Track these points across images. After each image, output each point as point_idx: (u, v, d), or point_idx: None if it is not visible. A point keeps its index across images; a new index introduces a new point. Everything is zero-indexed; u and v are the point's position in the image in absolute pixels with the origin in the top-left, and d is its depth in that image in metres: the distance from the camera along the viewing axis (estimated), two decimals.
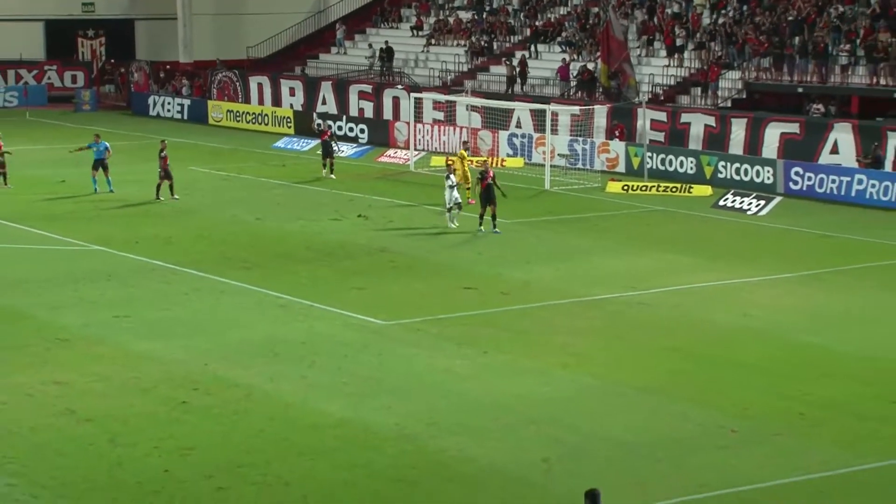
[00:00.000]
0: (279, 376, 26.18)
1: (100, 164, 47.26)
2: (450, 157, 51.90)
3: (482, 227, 39.71)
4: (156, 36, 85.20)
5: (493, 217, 39.70)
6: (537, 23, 68.63)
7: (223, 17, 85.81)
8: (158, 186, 45.54)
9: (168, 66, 79.72)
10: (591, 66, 60.50)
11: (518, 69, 63.07)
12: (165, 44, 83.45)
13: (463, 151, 48.45)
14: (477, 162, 50.92)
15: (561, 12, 68.57)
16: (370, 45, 73.25)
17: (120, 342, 28.54)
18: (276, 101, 69.45)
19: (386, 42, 72.08)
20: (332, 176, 49.46)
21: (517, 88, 62.63)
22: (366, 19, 78.69)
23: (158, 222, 42.48)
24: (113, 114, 75.04)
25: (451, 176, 40.95)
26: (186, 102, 72.90)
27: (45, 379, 25.78)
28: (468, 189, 44.87)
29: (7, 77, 77.77)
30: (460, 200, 40.79)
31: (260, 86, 71.06)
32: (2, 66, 78.09)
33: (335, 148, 51.96)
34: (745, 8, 60.07)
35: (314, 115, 63.68)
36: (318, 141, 53.45)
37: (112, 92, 79.18)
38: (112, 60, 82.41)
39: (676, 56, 60.60)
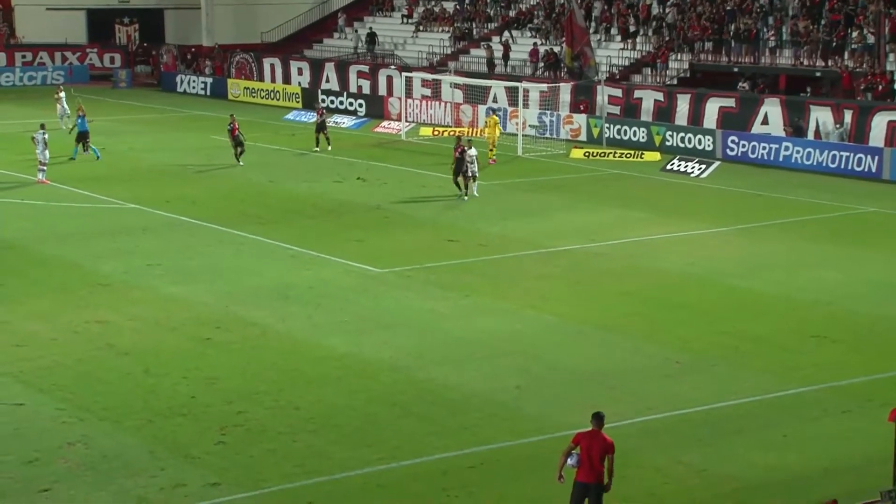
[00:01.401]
0: (290, 316, 26.30)
1: (84, 135, 46.26)
2: (458, 131, 52.00)
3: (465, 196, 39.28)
4: (182, 23, 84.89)
5: (467, 186, 39.13)
6: (511, 12, 68.55)
7: (240, 7, 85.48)
8: (235, 154, 45.18)
9: (193, 49, 79.38)
10: (556, 49, 60.48)
11: (502, 51, 62.90)
12: (191, 29, 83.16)
13: (495, 117, 48.97)
14: (457, 132, 50.97)
15: (531, 2, 68.35)
16: (356, 31, 73.00)
17: (152, 287, 28.62)
18: (286, 80, 69.18)
19: (370, 28, 71.89)
20: (329, 148, 49.04)
21: (501, 69, 62.48)
22: (363, 9, 78.36)
23: (185, 184, 42.41)
24: (145, 90, 74.73)
25: (472, 150, 38.93)
26: (209, 81, 72.58)
27: (88, 318, 25.91)
28: (491, 151, 46.47)
29: (54, 58, 77.35)
30: (477, 173, 39.48)
31: (272, 66, 70.78)
32: (50, 48, 77.66)
33: (328, 123, 51.33)
34: None
35: (320, 92, 63.27)
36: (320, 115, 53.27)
37: (145, 71, 78.77)
38: (144, 44, 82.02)
39: (630, 41, 60.56)
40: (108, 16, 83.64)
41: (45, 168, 40.92)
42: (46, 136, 41.25)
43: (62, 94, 54.66)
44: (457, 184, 38.98)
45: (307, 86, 67.06)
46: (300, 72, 68.91)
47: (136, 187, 41.10)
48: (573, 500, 15.40)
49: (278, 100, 66.51)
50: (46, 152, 40.78)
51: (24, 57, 76.51)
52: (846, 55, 51.77)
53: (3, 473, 18.10)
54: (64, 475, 18.08)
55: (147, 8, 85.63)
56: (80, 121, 46.13)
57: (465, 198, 38.92)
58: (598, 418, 15.61)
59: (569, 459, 15.41)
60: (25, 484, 17.78)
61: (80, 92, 62.89)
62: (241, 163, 45.07)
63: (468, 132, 51.58)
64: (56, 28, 79.86)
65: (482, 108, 56.61)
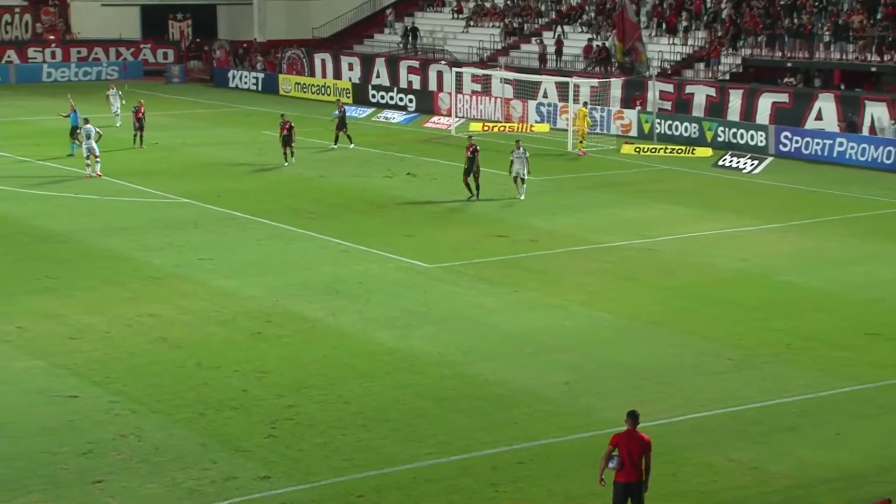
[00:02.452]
0: (340, 311, 26.36)
1: (75, 129, 45.65)
2: (508, 126, 52.09)
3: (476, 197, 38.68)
4: (234, 18, 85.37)
5: (477, 187, 38.56)
6: (562, 7, 68.33)
7: (292, 2, 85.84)
8: (285, 154, 45.09)
9: (245, 45, 79.79)
10: (607, 44, 60.31)
11: (555, 47, 62.81)
12: (243, 25, 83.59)
13: (584, 109, 49.38)
14: (508, 127, 50.97)
15: None
16: (404, 27, 73.01)
17: (204, 280, 28.79)
18: (337, 75, 69.45)
19: (412, 24, 71.98)
20: (352, 145, 48.95)
21: (552, 64, 62.42)
22: (413, 4, 78.44)
23: (236, 178, 42.66)
24: (198, 85, 75.18)
25: (519, 149, 38.20)
26: (261, 76, 72.95)
27: (140, 311, 26.09)
28: (581, 142, 47.68)
29: (109, 54, 78.05)
30: (526, 176, 38.70)
31: (323, 61, 71.07)
32: (105, 44, 78.35)
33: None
34: None
35: (339, 94, 63.06)
36: (372, 109, 53.51)
37: (197, 67, 79.25)
38: (197, 40, 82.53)
39: (682, 36, 60.21)
40: (161, 12, 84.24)
41: (97, 161, 41.06)
42: (95, 129, 41.33)
43: (114, 90, 55.11)
44: (466, 184, 38.32)
45: (358, 81, 67.28)
46: (350, 67, 69.12)
47: (188, 182, 41.36)
48: (616, 501, 15.36)
49: (329, 95, 66.67)
50: (95, 145, 40.93)
51: (79, 52, 77.26)
52: None
53: (58, 464, 18.26)
54: (117, 467, 18.23)
55: (200, 4, 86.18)
56: (73, 115, 46.11)
57: (475, 198, 38.29)
58: (633, 417, 15.55)
59: (610, 462, 15.34)
60: (79, 475, 17.92)
61: (135, 87, 63.47)
62: (286, 164, 44.99)
63: (518, 127, 51.52)
64: (110, 24, 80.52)
65: (532, 104, 56.64)
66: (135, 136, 47.53)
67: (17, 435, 19.47)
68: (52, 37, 77.81)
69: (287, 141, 44.65)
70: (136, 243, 32.45)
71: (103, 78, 74.17)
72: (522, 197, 38.30)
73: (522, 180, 38.33)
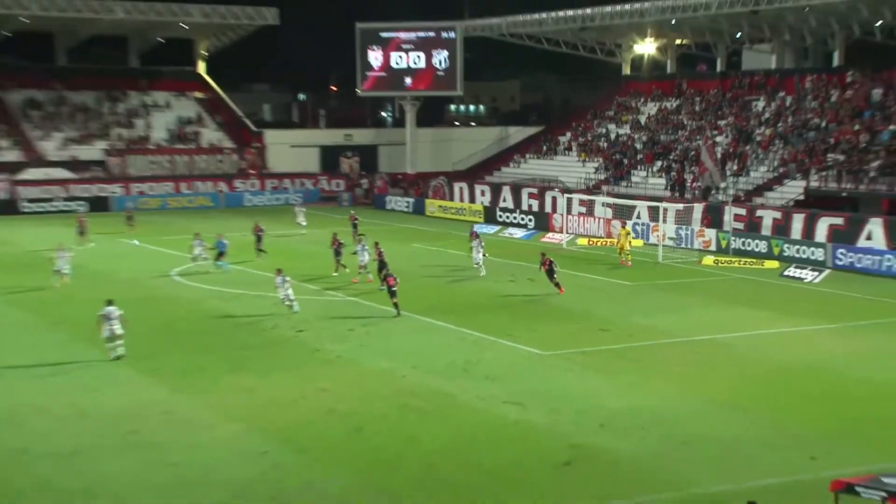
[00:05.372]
0: (473, 389, 26.23)
1: (221, 254, 45.32)
2: (608, 241, 52.18)
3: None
4: (392, 155, 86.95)
5: (557, 286, 39.09)
6: (656, 148, 68.41)
7: (436, 143, 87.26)
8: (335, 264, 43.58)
9: (399, 176, 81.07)
10: (688, 177, 60.10)
11: (675, 178, 62.62)
12: (398, 160, 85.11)
13: (626, 228, 49.58)
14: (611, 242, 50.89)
15: (671, 138, 68.23)
16: (526, 161, 73.51)
17: (364, 363, 28.92)
18: (472, 199, 70.03)
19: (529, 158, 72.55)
20: (347, 270, 44.20)
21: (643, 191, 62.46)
22: (532, 143, 79.16)
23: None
24: (362, 208, 76.19)
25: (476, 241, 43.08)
26: (411, 200, 73.94)
27: (315, 387, 26.25)
28: (628, 254, 47.79)
29: (294, 183, 79.84)
30: (479, 261, 42.98)
31: (461, 189, 71.75)
32: (291, 176, 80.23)
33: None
34: (806, 136, 59.05)
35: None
36: (499, 226, 53.88)
37: (361, 193, 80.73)
38: (362, 172, 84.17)
39: (751, 171, 59.78)
40: (336, 151, 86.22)
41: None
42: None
43: (300, 209, 57.14)
44: (557, 284, 39.15)
45: (488, 204, 67.77)
46: (483, 193, 69.69)
47: (354, 285, 41.69)
48: None
49: (465, 215, 67.30)
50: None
51: (272, 183, 79.22)
52: None
53: None
54: None
55: (365, 145, 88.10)
56: (218, 243, 45.75)
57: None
58: None
59: None
60: None
61: (313, 209, 64.72)
62: (336, 273, 43.25)
63: (616, 242, 51.49)
64: (297, 160, 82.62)
65: (629, 223, 56.41)
66: (337, 261, 44.37)
67: (212, 484, 19.71)
68: (252, 171, 80.00)
69: (337, 253, 43.54)
70: (312, 334, 32.71)
71: (289, 202, 75.90)
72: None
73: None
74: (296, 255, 48.60)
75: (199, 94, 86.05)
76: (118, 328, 28.72)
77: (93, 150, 76.75)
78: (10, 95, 79.41)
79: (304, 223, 58.59)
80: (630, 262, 47.56)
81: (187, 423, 23.29)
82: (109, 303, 29.23)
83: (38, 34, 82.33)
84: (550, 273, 39.07)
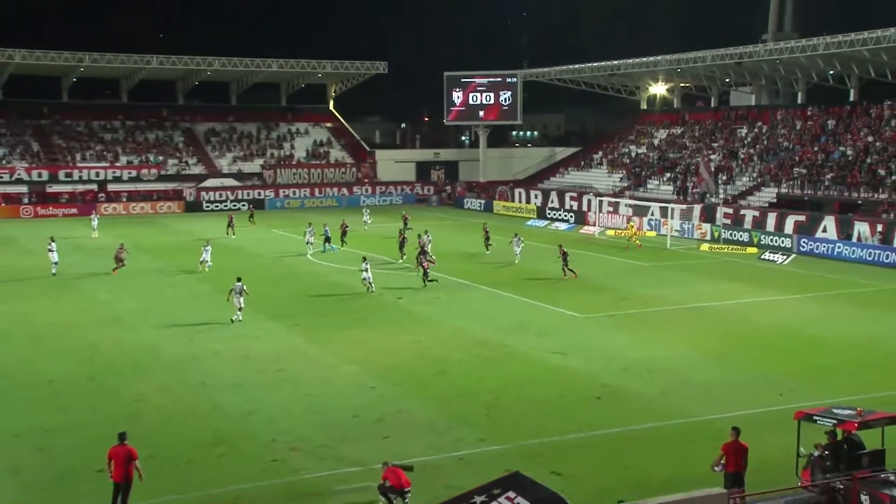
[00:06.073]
0: (527, 341, 26.16)
1: (327, 238, 45.33)
2: (626, 232, 51.34)
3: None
4: (469, 167, 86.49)
5: (571, 271, 37.04)
6: (665, 163, 67.15)
7: (502, 159, 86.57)
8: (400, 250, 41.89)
9: (474, 183, 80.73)
10: (689, 185, 58.89)
11: (680, 185, 60.84)
12: (473, 171, 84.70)
13: (633, 224, 49.82)
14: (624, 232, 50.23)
15: (677, 155, 66.89)
16: (569, 173, 72.54)
17: (448, 322, 28.90)
18: (528, 201, 69.42)
19: (571, 171, 71.54)
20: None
21: (657, 195, 61.23)
22: (573, 159, 78.30)
23: (464, 260, 42.35)
24: (446, 208, 76.23)
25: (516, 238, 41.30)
26: (483, 201, 73.59)
27: (410, 339, 26.32)
28: (637, 242, 47.27)
29: (396, 188, 79.86)
30: (517, 252, 41.00)
31: (519, 193, 71.15)
32: (394, 184, 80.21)
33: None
34: (778, 155, 57.38)
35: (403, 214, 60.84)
36: (548, 221, 53.46)
37: (445, 196, 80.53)
38: (446, 180, 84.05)
39: (736, 181, 58.34)
40: (427, 165, 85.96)
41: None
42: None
43: (366, 210, 56.72)
44: (566, 271, 37.00)
45: (539, 205, 67.13)
46: (536, 196, 69.06)
47: (440, 263, 41.64)
48: (726, 486, 13.98)
49: (523, 213, 66.81)
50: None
51: (380, 189, 79.42)
52: (881, 189, 48.53)
53: (360, 430, 18.53)
54: (396, 430, 18.43)
55: (449, 160, 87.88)
56: (325, 230, 45.70)
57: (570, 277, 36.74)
58: (737, 431, 14.54)
59: (716, 467, 14.31)
60: (374, 434, 18.23)
61: (409, 210, 64.81)
62: (400, 260, 41.13)
63: (633, 233, 50.60)
64: (398, 171, 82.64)
65: (645, 219, 55.59)
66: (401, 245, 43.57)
67: (336, 409, 19.91)
68: (366, 179, 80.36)
69: (401, 245, 41.45)
70: (409, 299, 32.83)
71: (392, 203, 76.12)
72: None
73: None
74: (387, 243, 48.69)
75: (329, 124, 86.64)
76: (242, 300, 28.29)
77: (253, 165, 77.81)
78: (197, 127, 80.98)
79: (369, 220, 57.58)
80: (640, 245, 47.12)
81: (318, 364, 23.54)
82: (238, 279, 29.05)
83: (217, 83, 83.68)
84: (565, 260, 37.59)
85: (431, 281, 34.91)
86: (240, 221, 56.07)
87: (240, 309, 28.31)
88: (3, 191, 67.11)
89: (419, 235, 42.44)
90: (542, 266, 40.97)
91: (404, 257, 42.12)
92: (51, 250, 37.89)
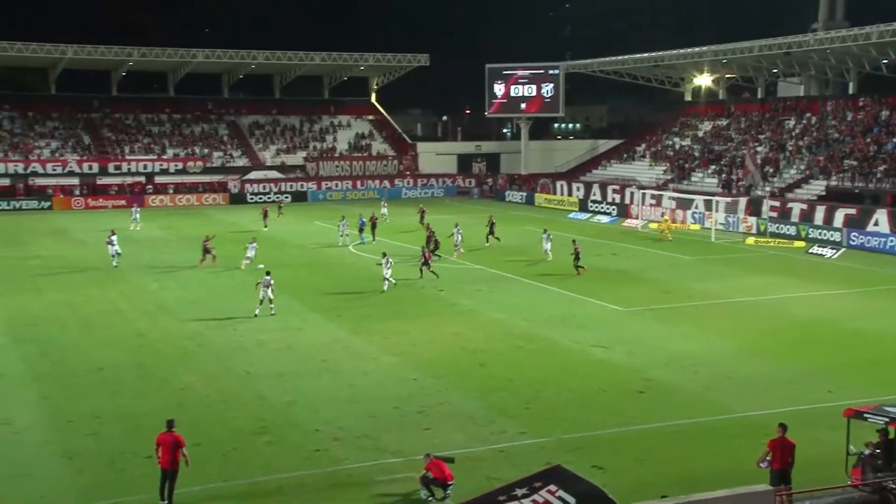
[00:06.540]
0: (568, 335, 26.04)
1: (362, 228, 45.32)
2: (668, 225, 50.88)
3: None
4: (510, 160, 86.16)
5: (580, 268, 35.88)
6: (709, 156, 66.23)
7: (543, 152, 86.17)
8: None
9: (516, 176, 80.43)
10: (734, 177, 57.98)
11: (725, 178, 60.12)
12: (515, 164, 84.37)
13: (666, 218, 49.45)
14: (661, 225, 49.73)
15: (723, 147, 65.92)
16: (612, 166, 72.00)
17: (487, 314, 28.86)
18: (570, 194, 68.98)
19: (613, 164, 70.87)
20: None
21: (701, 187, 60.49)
22: (615, 152, 77.59)
23: (505, 253, 42.01)
24: (487, 200, 76.00)
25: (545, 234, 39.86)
26: (524, 193, 73.26)
27: (450, 331, 26.35)
28: (669, 235, 46.85)
29: (438, 181, 79.82)
30: (547, 249, 39.34)
31: (561, 185, 70.69)
32: (436, 176, 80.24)
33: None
34: (828, 147, 56.28)
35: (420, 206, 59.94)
36: (590, 214, 52.86)
37: (487, 189, 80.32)
38: (488, 173, 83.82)
39: (783, 173, 57.31)
40: (469, 157, 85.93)
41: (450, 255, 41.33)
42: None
43: (384, 204, 56.04)
44: (580, 267, 36.02)
45: (581, 197, 66.63)
46: (578, 189, 68.58)
47: (480, 256, 41.68)
48: (772, 482, 13.80)
49: (565, 206, 66.39)
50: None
51: (422, 181, 79.47)
52: None
53: (403, 420, 18.66)
54: (437, 422, 18.49)
55: (491, 153, 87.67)
56: (360, 221, 45.86)
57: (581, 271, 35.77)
58: (784, 427, 14.28)
59: (762, 463, 14.08)
60: (416, 425, 18.31)
61: (452, 201, 64.70)
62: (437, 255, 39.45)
63: (672, 226, 49.99)
64: (440, 164, 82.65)
65: (689, 212, 54.86)
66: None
67: (378, 399, 20.01)
68: (408, 172, 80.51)
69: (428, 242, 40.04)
70: (452, 291, 32.79)
71: (434, 196, 76.20)
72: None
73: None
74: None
75: (370, 117, 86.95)
76: (271, 293, 28.16)
77: (296, 158, 78.41)
78: (241, 120, 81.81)
79: (387, 214, 56.45)
80: (671, 238, 47.04)
81: (360, 355, 23.68)
82: (267, 273, 29.01)
83: (261, 76, 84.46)
84: (577, 257, 36.31)
85: (432, 272, 34.36)
86: (274, 213, 56.51)
87: (270, 302, 28.09)
88: (57, 182, 68.60)
89: (428, 225, 42.31)
90: (584, 260, 40.59)
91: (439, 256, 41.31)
92: (111, 243, 38.33)
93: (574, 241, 38.15)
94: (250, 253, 38.01)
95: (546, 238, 40.98)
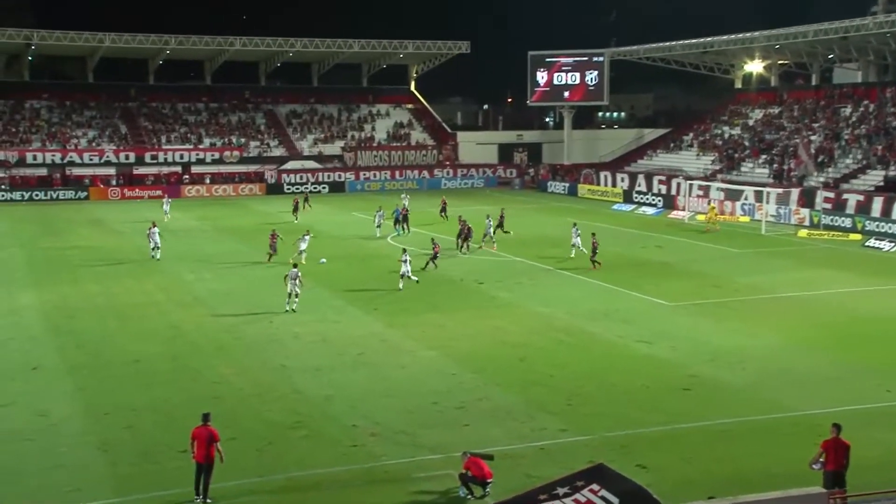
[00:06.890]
0: (611, 329, 25.84)
1: (397, 219, 45.17)
2: (715, 216, 50.23)
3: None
4: (553, 150, 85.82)
5: (596, 262, 35.32)
6: (760, 144, 65.15)
7: (587, 141, 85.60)
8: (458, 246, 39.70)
9: (558, 166, 79.99)
10: (785, 167, 56.97)
11: (776, 168, 59.35)
12: (557, 154, 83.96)
13: (713, 206, 49.18)
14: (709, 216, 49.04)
15: (774, 136, 64.81)
16: (670, 153, 71.15)
17: (528, 307, 28.76)
18: (614, 184, 68.38)
19: (659, 154, 69.94)
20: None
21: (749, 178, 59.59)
22: (661, 141, 76.71)
23: (548, 245, 41.62)
24: (529, 191, 75.66)
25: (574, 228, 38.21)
26: (567, 184, 72.84)
27: (490, 325, 26.27)
28: (715, 224, 46.74)
29: (478, 171, 79.62)
30: (577, 243, 37.84)
31: (605, 176, 70.09)
32: (476, 166, 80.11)
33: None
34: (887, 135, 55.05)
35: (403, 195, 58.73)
36: (634, 205, 52.27)
37: (528, 179, 79.98)
38: (529, 163, 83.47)
39: (838, 163, 56.16)
40: (510, 147, 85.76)
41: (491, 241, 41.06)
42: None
43: (406, 197, 54.77)
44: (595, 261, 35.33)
45: (626, 188, 66.08)
46: (622, 179, 68.01)
47: (522, 248, 41.49)
48: (826, 485, 13.44)
49: (608, 197, 65.86)
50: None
51: (462, 171, 79.35)
52: None
53: (442, 415, 18.62)
54: (476, 417, 18.44)
55: (532, 142, 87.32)
56: (395, 211, 45.87)
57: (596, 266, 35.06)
58: (838, 427, 13.93)
59: (814, 465, 13.76)
60: (455, 421, 18.27)
61: (491, 192, 64.48)
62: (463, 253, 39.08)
63: (722, 218, 49.33)
64: (480, 154, 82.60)
65: (738, 204, 54.03)
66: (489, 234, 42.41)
67: (415, 395, 20.00)
68: (447, 162, 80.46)
69: (463, 235, 39.50)
70: (492, 284, 32.74)
71: (473, 186, 76.12)
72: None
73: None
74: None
75: (410, 106, 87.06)
76: (298, 287, 27.90)
77: (334, 147, 78.78)
78: (279, 108, 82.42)
79: (408, 207, 55.98)
80: (719, 228, 46.76)
81: (397, 349, 23.71)
82: (294, 266, 28.90)
83: (299, 64, 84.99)
84: (594, 251, 35.59)
85: (424, 268, 33.73)
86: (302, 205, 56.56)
87: (296, 295, 27.76)
88: (94, 172, 69.78)
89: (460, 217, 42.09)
90: (627, 252, 40.31)
91: (482, 244, 41.33)
92: (152, 235, 38.35)
93: (593, 235, 37.34)
94: (303, 245, 37.47)
95: (575, 233, 39.25)
